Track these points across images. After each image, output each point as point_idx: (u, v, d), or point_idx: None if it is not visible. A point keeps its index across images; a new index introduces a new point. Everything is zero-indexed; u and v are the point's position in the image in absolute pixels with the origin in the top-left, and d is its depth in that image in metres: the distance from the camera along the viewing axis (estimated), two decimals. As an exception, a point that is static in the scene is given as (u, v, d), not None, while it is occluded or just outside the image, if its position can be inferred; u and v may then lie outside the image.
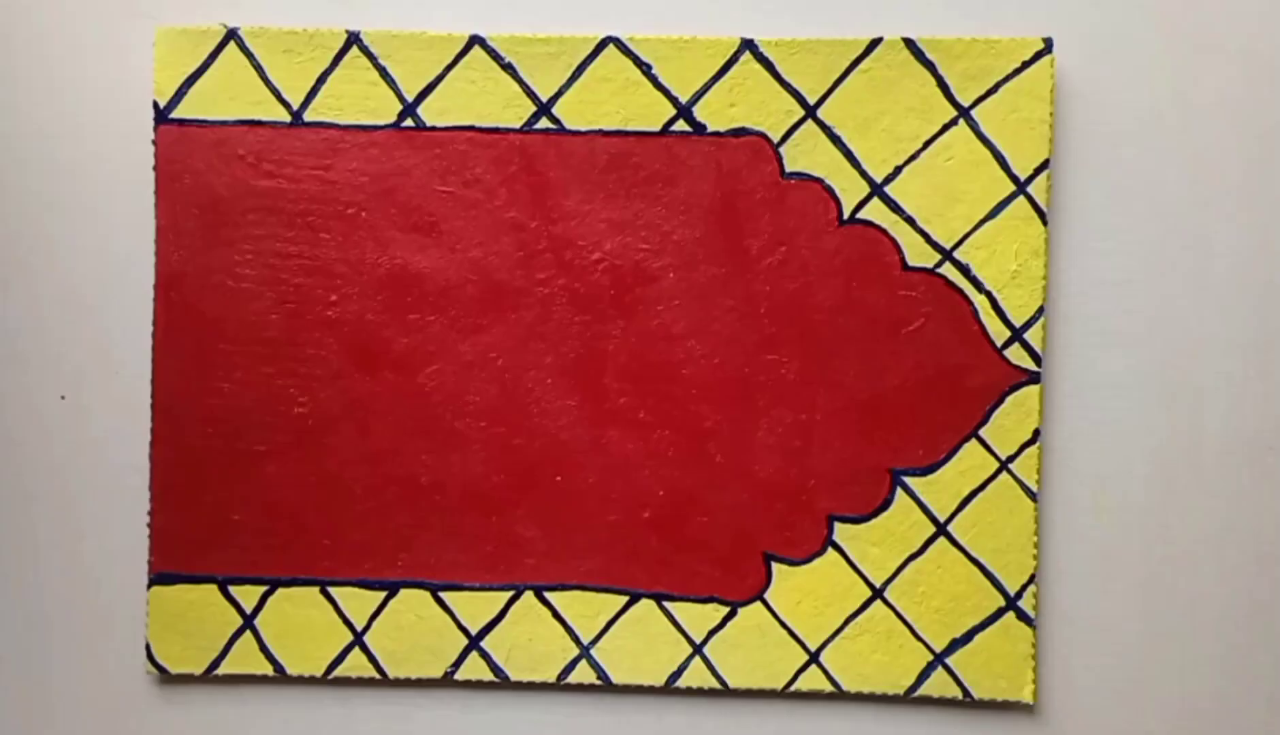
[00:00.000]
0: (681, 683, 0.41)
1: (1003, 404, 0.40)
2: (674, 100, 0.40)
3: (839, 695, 0.41)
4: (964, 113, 0.40)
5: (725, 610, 0.41)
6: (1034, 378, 0.40)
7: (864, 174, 0.40)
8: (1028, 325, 0.40)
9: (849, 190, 0.40)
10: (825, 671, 0.40)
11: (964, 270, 0.40)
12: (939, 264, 0.40)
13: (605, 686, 0.41)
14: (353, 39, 0.40)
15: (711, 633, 0.41)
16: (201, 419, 0.40)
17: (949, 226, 0.40)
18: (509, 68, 0.40)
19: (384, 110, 0.40)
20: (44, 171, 0.41)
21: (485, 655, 0.41)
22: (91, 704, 0.41)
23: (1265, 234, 0.41)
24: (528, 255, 0.40)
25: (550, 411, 0.41)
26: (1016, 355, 0.40)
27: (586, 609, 0.41)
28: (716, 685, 0.41)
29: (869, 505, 0.40)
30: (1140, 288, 0.41)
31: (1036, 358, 0.40)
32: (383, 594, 0.41)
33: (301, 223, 0.40)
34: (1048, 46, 0.40)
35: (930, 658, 0.40)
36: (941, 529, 0.40)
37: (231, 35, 0.40)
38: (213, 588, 0.41)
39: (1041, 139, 0.40)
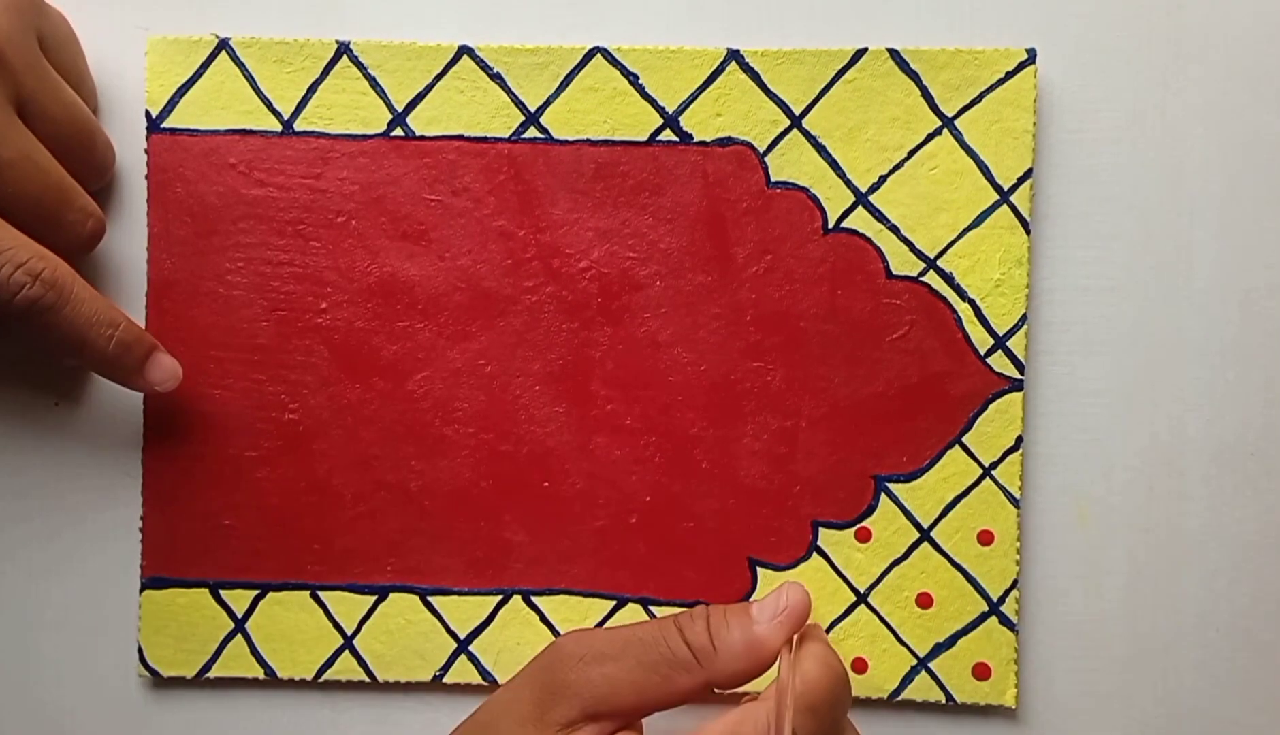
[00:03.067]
0: (667, 686, 0.41)
1: (985, 411, 0.40)
2: (660, 110, 0.41)
3: (823, 699, 0.41)
4: (947, 123, 0.40)
5: (711, 615, 0.41)
6: (1017, 385, 0.40)
7: (848, 183, 0.40)
8: (1010, 333, 0.40)
9: (833, 199, 0.40)
10: (809, 675, 0.41)
11: (947, 279, 0.40)
12: (923, 272, 0.40)
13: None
14: (343, 49, 0.41)
15: (697, 637, 0.41)
16: (193, 425, 0.41)
17: (932, 235, 0.40)
18: (497, 78, 0.41)
19: (373, 119, 0.41)
20: (37, 180, 0.42)
21: (473, 659, 0.41)
22: (84, 707, 0.42)
23: (1246, 242, 0.41)
24: (516, 263, 0.41)
25: (538, 418, 0.41)
26: (999, 363, 0.40)
27: (573, 613, 0.41)
28: (702, 689, 0.41)
29: (853, 511, 0.41)
30: (1122, 295, 0.41)
31: (1019, 365, 0.40)
32: (372, 598, 0.41)
33: (292, 231, 0.41)
34: (1030, 57, 0.40)
35: (913, 662, 0.41)
36: (925, 535, 0.41)
37: (223, 45, 0.41)
38: (204, 592, 0.41)
39: (1024, 149, 0.40)
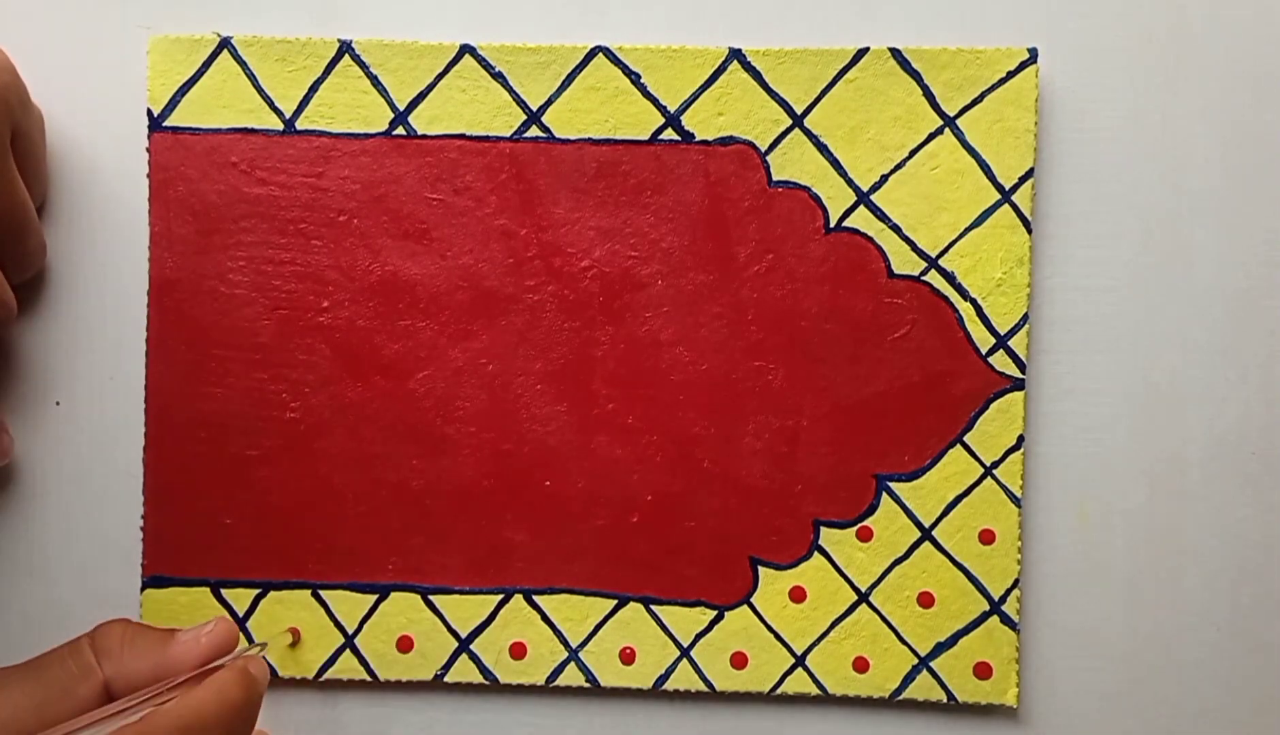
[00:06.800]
0: (669, 685, 0.41)
1: (987, 410, 0.40)
2: (662, 109, 0.41)
3: (824, 699, 0.41)
4: (949, 122, 0.40)
5: (712, 614, 0.41)
6: (1018, 384, 0.40)
7: (850, 183, 0.40)
8: (1012, 332, 0.40)
9: (835, 198, 0.41)
10: (811, 675, 0.41)
11: (949, 278, 0.40)
12: (924, 272, 0.40)
13: (593, 689, 0.41)
14: (345, 48, 0.41)
15: (699, 636, 0.41)
16: (194, 424, 0.41)
17: (934, 235, 0.40)
18: (499, 77, 0.41)
19: (375, 118, 0.41)
20: (39, 178, 0.42)
21: (475, 658, 0.41)
22: (85, 706, 0.42)
23: (1247, 241, 0.41)
24: (517, 262, 0.41)
25: (539, 417, 0.41)
26: (1001, 362, 0.40)
27: (574, 612, 0.41)
28: (703, 688, 0.41)
29: (854, 510, 0.41)
30: (1123, 295, 0.41)
31: (1021, 364, 0.40)
32: (373, 597, 0.41)
33: (293, 230, 0.41)
34: (1032, 56, 0.40)
35: (915, 661, 0.41)
36: (926, 534, 0.41)
37: (225, 44, 0.41)
38: (205, 591, 0.41)
39: (1026, 148, 0.40)
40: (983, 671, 0.41)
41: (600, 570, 0.41)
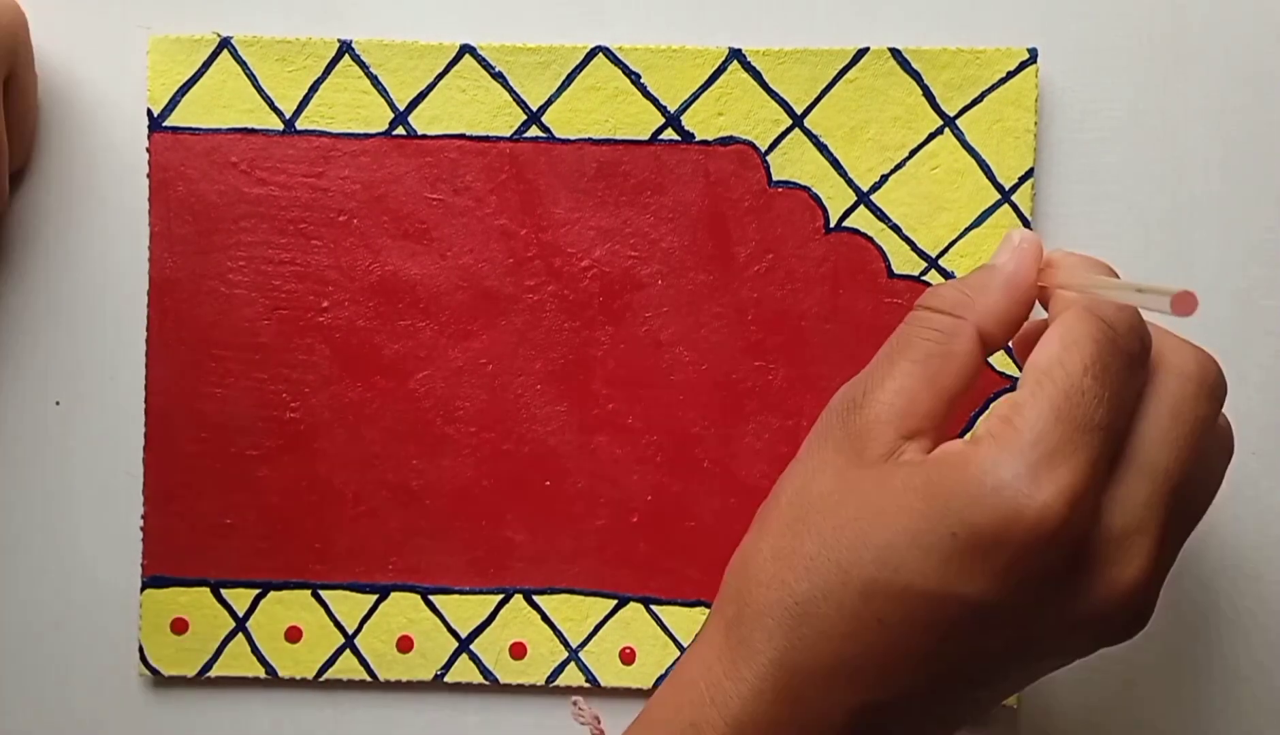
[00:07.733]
0: (669, 685, 0.41)
1: (987, 410, 0.40)
2: (662, 109, 0.41)
3: (824, 698, 0.41)
4: (949, 122, 0.40)
5: (712, 614, 0.41)
6: (1017, 384, 0.40)
7: (850, 183, 0.40)
8: (1012, 332, 0.40)
9: (835, 198, 0.41)
10: (811, 675, 0.41)
11: (948, 278, 0.40)
12: (924, 272, 0.40)
13: (593, 689, 0.41)
14: (345, 48, 0.41)
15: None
16: (194, 424, 0.41)
17: (934, 235, 0.40)
18: (499, 77, 0.41)
19: (375, 118, 0.41)
20: (38, 179, 0.42)
21: (474, 658, 0.41)
22: (84, 706, 0.42)
23: (1246, 243, 0.41)
24: (517, 262, 0.41)
25: (539, 417, 0.41)
26: (1000, 362, 0.40)
27: (575, 612, 0.41)
28: (703, 688, 0.41)
29: (855, 510, 0.41)
30: (1123, 295, 0.41)
31: (1020, 364, 0.40)
32: (373, 597, 0.41)
33: (293, 230, 0.41)
34: (1032, 57, 0.40)
35: (915, 661, 0.41)
36: (926, 534, 0.41)
37: (225, 44, 0.41)
38: (205, 591, 0.41)
39: (1025, 148, 0.40)
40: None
41: (600, 570, 0.41)
